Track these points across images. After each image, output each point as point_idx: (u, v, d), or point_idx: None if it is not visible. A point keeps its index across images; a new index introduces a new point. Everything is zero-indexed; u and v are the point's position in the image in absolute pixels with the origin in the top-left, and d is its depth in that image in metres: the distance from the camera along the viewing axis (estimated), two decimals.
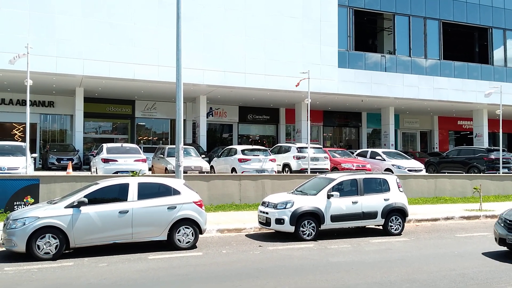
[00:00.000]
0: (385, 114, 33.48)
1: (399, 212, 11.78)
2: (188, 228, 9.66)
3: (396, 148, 33.25)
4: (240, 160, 18.85)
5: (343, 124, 37.26)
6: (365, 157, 22.91)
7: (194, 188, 11.15)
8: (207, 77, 24.45)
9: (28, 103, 15.65)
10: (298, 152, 20.45)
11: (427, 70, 30.34)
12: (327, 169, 20.15)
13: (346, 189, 11.51)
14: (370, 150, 23.91)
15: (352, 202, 11.25)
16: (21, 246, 8.43)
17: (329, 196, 11.02)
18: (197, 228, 9.76)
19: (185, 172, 14.07)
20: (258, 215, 11.49)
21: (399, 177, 13.00)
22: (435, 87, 29.90)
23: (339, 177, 11.62)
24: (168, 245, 9.60)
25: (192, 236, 9.68)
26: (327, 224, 10.97)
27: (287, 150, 21.37)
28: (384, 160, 21.84)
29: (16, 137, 28.33)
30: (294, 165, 20.11)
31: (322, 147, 23.55)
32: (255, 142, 33.92)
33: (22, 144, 17.89)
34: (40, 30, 21.13)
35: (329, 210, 10.95)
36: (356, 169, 19.96)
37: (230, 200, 15.46)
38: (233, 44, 24.96)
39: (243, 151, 19.40)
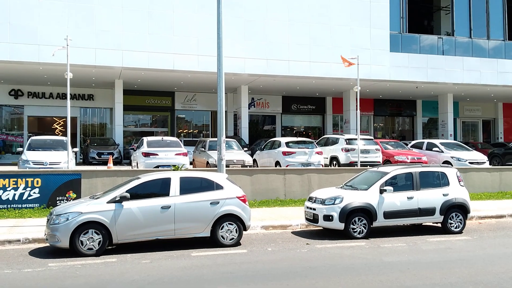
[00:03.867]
0: (442, 102, 32.46)
1: (460, 208, 11.43)
2: (232, 224, 9.78)
3: (455, 139, 32.21)
4: (284, 153, 18.84)
5: (395, 113, 36.44)
6: (421, 148, 22.35)
7: (237, 182, 11.26)
8: (248, 66, 24.54)
9: (68, 96, 16.27)
10: (346, 144, 20.21)
11: (490, 52, 29.03)
12: (379, 162, 19.81)
13: (400, 183, 11.28)
14: (426, 141, 23.28)
15: (407, 198, 11.01)
16: (65, 242, 8.81)
17: (381, 191, 10.83)
18: (241, 225, 9.87)
19: (227, 166, 14.22)
20: (305, 211, 11.47)
21: (459, 170, 12.58)
22: (499, 71, 28.59)
23: (393, 170, 11.39)
24: (211, 241, 9.76)
25: (236, 232, 9.79)
26: (380, 221, 10.80)
27: (334, 142, 21.16)
28: (442, 152, 21.19)
29: (57, 132, 29.63)
30: (343, 158, 19.89)
31: (373, 138, 23.13)
32: (300, 134, 33.80)
33: (63, 138, 18.70)
34: (79, 22, 21.89)
35: (382, 206, 10.77)
36: (411, 162, 19.53)
37: (274, 195, 15.51)
38: (276, 29, 24.88)
39: (287, 144, 19.38)
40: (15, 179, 12.89)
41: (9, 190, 12.79)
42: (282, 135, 32.19)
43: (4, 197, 12.75)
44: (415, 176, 11.30)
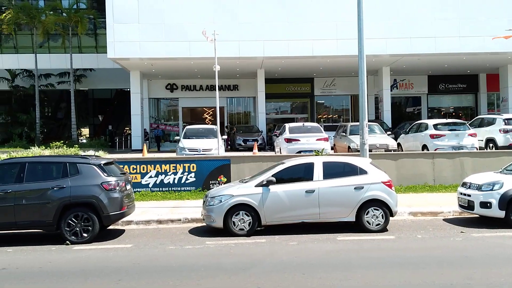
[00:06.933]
0: None
1: None
2: (378, 209, 9.53)
3: None
4: (432, 136, 17.71)
5: None
6: None
7: (381, 167, 10.90)
8: (390, 46, 23.57)
9: (217, 88, 17.40)
10: (505, 124, 18.21)
11: None
12: None
13: None
14: None
15: None
16: (219, 222, 9.49)
17: None
18: (387, 210, 9.56)
19: (370, 150, 13.85)
20: (458, 197, 10.67)
21: None
22: None
23: None
24: (356, 226, 9.65)
25: (382, 218, 9.53)
26: None
27: (490, 122, 19.23)
28: None
29: (207, 121, 31.97)
30: (501, 140, 18.00)
31: None
32: (449, 115, 31.45)
33: (214, 127, 20.07)
34: (223, 16, 23.21)
35: None
36: None
37: (422, 180, 14.71)
38: (418, 5, 23.45)
39: (435, 126, 18.17)
40: (174, 165, 14.28)
41: (170, 175, 14.19)
42: (428, 117, 30.33)
43: (166, 181, 14.20)
44: None
